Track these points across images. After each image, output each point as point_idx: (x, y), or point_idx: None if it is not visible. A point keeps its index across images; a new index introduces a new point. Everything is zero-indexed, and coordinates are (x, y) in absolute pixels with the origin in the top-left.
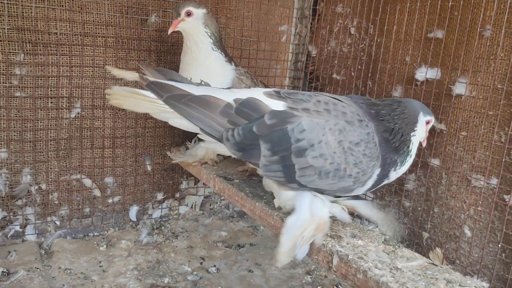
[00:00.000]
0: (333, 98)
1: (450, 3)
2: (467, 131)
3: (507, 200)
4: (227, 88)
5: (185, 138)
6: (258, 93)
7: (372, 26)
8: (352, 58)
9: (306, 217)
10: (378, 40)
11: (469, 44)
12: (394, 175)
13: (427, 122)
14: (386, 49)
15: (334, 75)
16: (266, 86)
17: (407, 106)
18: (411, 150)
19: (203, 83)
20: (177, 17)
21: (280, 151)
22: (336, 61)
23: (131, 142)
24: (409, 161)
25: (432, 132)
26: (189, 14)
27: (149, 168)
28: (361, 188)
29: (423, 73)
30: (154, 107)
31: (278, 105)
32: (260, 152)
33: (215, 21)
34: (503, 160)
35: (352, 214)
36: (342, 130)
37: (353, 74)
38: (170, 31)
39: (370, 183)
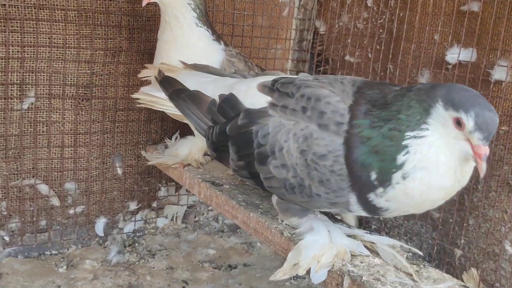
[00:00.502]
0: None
1: None
2: (508, 125)
3: None
4: (240, 79)
5: (164, 134)
6: (253, 84)
7: None
8: (369, 36)
9: (325, 241)
10: (401, 14)
11: (511, 19)
12: (374, 199)
13: (457, 121)
14: (411, 25)
15: (347, 57)
16: (262, 71)
17: (427, 89)
18: (415, 166)
19: (236, 75)
20: None
21: (245, 156)
22: (349, 40)
23: (98, 139)
24: (409, 186)
25: None
26: None
27: (119, 171)
28: (348, 212)
29: (455, 55)
30: (168, 106)
31: (260, 101)
32: (229, 154)
33: None
34: None
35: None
36: (307, 137)
37: (370, 55)
38: (144, 3)
39: (355, 208)
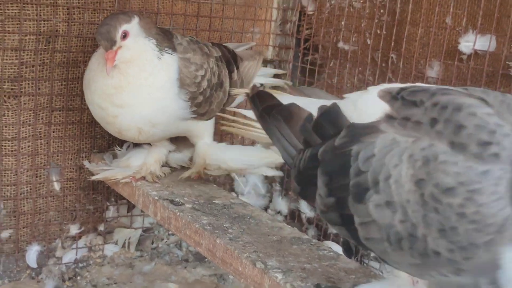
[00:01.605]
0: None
1: None
2: None
3: None
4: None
5: (113, 141)
6: (372, 91)
7: None
8: (367, 18)
9: None
10: None
11: None
12: None
13: None
14: (417, 5)
15: (341, 44)
16: (230, 51)
17: None
18: None
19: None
20: (110, 47)
21: (338, 189)
22: (343, 23)
23: (29, 147)
24: None
25: None
26: (125, 35)
27: (56, 186)
28: None
29: (470, 43)
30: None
31: (375, 111)
32: (317, 187)
33: (149, 19)
34: None
35: None
36: (429, 160)
37: (368, 42)
38: (109, 72)
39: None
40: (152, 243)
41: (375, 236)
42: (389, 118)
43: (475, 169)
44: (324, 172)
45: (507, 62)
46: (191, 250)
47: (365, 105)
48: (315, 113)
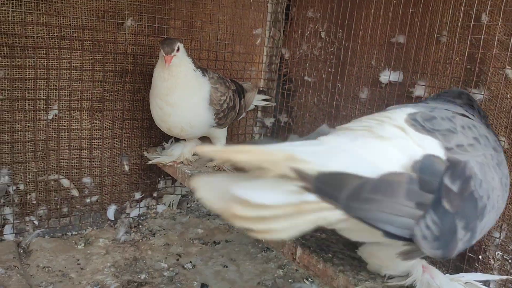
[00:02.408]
0: (448, 110)
1: (410, 10)
2: None
3: None
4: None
5: (162, 139)
6: (397, 122)
7: (340, 30)
8: (322, 61)
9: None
10: (346, 44)
11: (428, 49)
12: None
13: None
14: (354, 52)
15: (306, 77)
16: (240, 86)
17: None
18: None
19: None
20: (170, 53)
21: (470, 224)
22: (308, 64)
23: (109, 143)
24: None
25: None
26: (178, 49)
27: (126, 168)
28: None
29: (386, 76)
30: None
31: (433, 146)
32: (456, 237)
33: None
34: None
35: None
36: (499, 164)
37: (323, 76)
38: (168, 66)
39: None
40: (187, 204)
41: (479, 235)
42: (448, 150)
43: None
44: (461, 218)
45: (409, 88)
46: None
47: (423, 142)
48: (406, 172)
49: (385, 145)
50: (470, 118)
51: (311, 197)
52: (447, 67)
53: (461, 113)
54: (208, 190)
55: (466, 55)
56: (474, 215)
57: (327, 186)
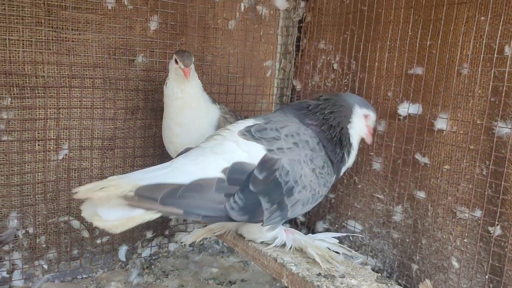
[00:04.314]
0: (287, 122)
1: (428, 42)
2: (450, 165)
3: (491, 232)
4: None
5: None
6: (233, 137)
7: (354, 62)
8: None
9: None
10: (361, 76)
11: (448, 81)
12: (343, 169)
13: (365, 116)
14: (369, 84)
15: None
16: None
17: (343, 99)
18: (352, 143)
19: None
20: (188, 66)
21: (276, 199)
22: None
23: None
24: (353, 153)
25: (417, 165)
26: (192, 62)
27: None
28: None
29: (405, 108)
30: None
31: (257, 149)
32: (262, 207)
33: None
34: (486, 193)
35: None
36: (312, 159)
37: None
38: (188, 79)
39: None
40: (200, 241)
41: (297, 207)
42: (269, 151)
43: (323, 154)
44: (265, 195)
45: (430, 121)
46: (225, 245)
47: (249, 148)
48: (218, 176)
49: (216, 159)
50: (300, 127)
51: (138, 211)
52: (469, 99)
53: (296, 122)
54: (87, 209)
55: (490, 88)
56: (280, 193)
57: (148, 192)
